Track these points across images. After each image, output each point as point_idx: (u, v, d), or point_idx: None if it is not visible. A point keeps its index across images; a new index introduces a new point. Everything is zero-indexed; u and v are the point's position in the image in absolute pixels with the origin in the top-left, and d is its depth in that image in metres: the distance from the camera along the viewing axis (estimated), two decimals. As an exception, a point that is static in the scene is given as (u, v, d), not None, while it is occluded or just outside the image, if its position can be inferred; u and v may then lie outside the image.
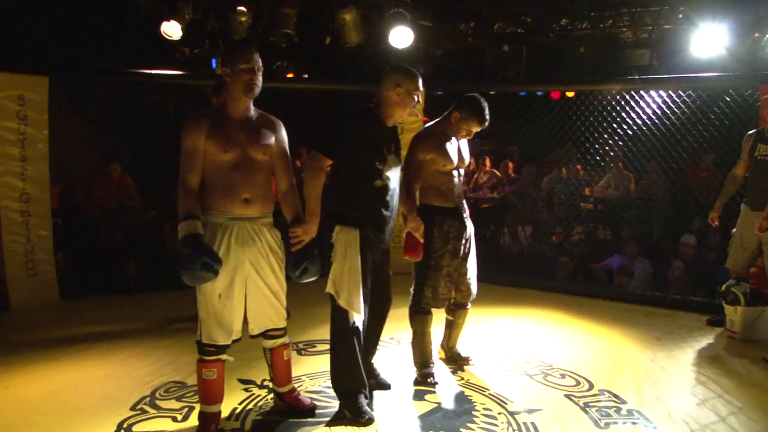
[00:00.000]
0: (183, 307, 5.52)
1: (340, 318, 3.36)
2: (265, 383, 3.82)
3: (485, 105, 3.83)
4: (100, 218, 6.90)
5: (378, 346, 3.84)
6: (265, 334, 3.35)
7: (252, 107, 3.22)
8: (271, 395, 3.59)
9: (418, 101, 3.42)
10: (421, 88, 3.43)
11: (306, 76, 8.41)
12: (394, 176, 3.45)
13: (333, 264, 3.32)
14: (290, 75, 8.46)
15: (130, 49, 6.85)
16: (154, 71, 6.30)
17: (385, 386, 3.82)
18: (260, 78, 3.11)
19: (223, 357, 3.21)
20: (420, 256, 3.75)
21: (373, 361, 3.84)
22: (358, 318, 3.34)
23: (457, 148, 3.96)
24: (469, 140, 4.08)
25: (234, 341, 3.20)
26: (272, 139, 3.23)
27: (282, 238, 3.34)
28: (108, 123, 7.65)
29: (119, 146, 7.58)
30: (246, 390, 3.81)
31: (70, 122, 6.82)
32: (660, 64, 7.84)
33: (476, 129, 3.90)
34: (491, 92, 7.37)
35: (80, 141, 7.20)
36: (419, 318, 3.99)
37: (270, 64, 8.15)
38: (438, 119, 4.00)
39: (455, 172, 3.94)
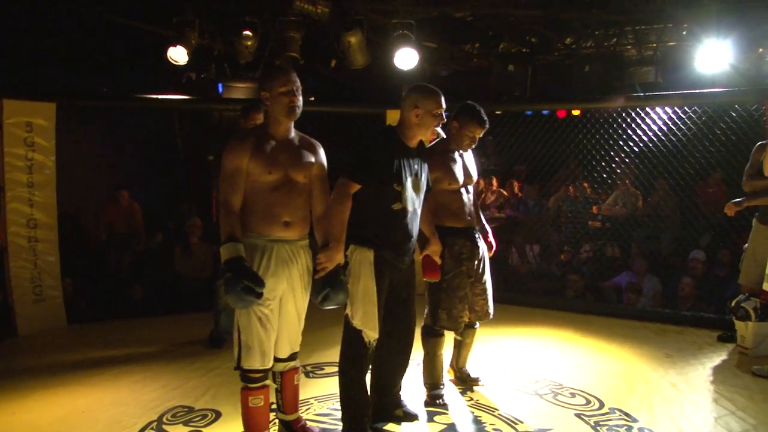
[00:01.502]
0: (190, 330, 5.58)
1: (353, 339, 3.33)
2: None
3: (480, 108, 3.82)
4: (109, 243, 6.92)
5: (401, 381, 3.73)
6: (279, 358, 3.27)
7: (293, 129, 3.21)
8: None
9: (441, 119, 3.39)
10: (443, 105, 3.38)
11: (312, 99, 8.46)
12: (414, 199, 3.39)
13: (348, 285, 3.26)
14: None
15: (137, 74, 6.93)
16: (161, 96, 6.36)
17: (413, 417, 3.68)
18: (300, 99, 3.10)
19: (267, 382, 3.16)
20: (439, 276, 3.72)
21: (400, 393, 3.75)
22: (373, 338, 3.31)
23: (463, 165, 3.93)
24: (475, 158, 4.07)
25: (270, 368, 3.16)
26: (313, 162, 3.21)
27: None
28: (116, 147, 7.71)
29: (127, 170, 7.63)
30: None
31: (78, 147, 6.87)
32: (665, 80, 7.84)
33: (479, 133, 3.86)
34: (497, 112, 7.40)
35: (88, 165, 7.25)
36: (432, 340, 3.95)
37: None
38: (437, 139, 3.95)
39: (463, 190, 3.92)
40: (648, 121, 6.53)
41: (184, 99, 6.75)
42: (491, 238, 4.17)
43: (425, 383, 4.03)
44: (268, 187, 3.06)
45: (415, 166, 3.42)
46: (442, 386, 4.04)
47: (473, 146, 3.94)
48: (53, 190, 5.79)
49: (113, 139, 7.66)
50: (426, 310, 3.96)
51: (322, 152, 3.28)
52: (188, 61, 6.15)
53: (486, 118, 3.83)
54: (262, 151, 3.05)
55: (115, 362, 4.86)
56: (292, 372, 3.32)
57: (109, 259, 6.72)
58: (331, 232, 3.21)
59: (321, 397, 4.07)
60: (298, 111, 3.09)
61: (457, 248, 3.83)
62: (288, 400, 3.35)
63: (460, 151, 3.95)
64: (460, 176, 3.88)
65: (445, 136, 3.50)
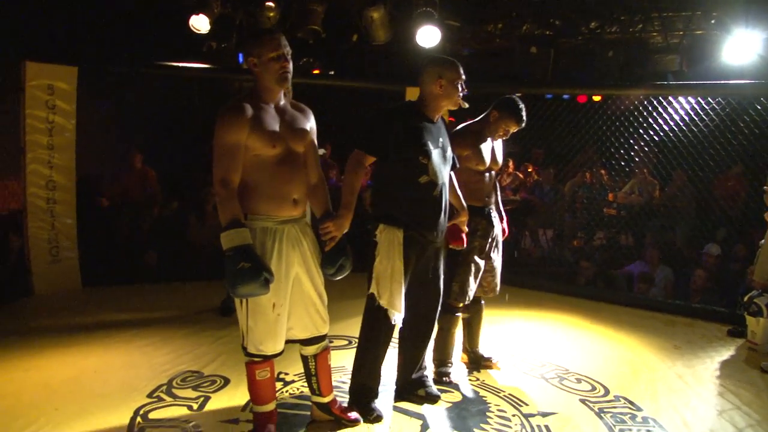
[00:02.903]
0: (202, 298, 5.66)
1: (376, 316, 3.32)
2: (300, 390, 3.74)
3: (523, 106, 3.88)
4: (124, 208, 6.98)
5: (424, 357, 3.75)
6: (307, 340, 3.15)
7: (282, 95, 3.00)
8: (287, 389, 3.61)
9: (464, 89, 3.37)
10: (464, 75, 3.37)
11: (332, 73, 8.44)
12: (442, 172, 3.37)
13: (376, 263, 3.26)
14: (316, 72, 8.50)
15: (158, 41, 6.92)
16: (181, 64, 6.36)
17: (435, 398, 3.68)
18: (291, 64, 2.88)
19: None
20: (464, 244, 3.72)
21: (425, 373, 3.77)
22: (399, 316, 3.31)
23: (491, 149, 3.99)
24: (504, 147, 4.12)
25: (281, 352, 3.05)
26: (308, 129, 3.05)
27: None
28: (134, 114, 7.73)
29: (144, 137, 7.66)
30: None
31: (97, 112, 6.90)
32: (689, 69, 7.74)
33: (514, 129, 3.94)
34: (517, 94, 7.34)
35: (106, 131, 7.29)
36: (447, 317, 3.98)
37: (297, 59, 8.21)
38: (476, 119, 4.03)
39: (487, 173, 3.98)
40: (670, 110, 6.43)
41: (204, 68, 6.73)
42: (504, 224, 4.24)
43: (434, 359, 4.07)
44: (271, 162, 2.88)
45: (441, 139, 3.40)
46: (450, 364, 4.09)
47: (504, 138, 4.01)
48: (73, 152, 5.84)
49: (133, 105, 7.68)
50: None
51: (312, 117, 3.13)
52: (210, 30, 6.14)
53: (525, 117, 3.89)
54: (261, 122, 2.84)
55: (127, 325, 4.93)
56: (325, 353, 3.22)
57: (123, 224, 6.75)
58: (342, 200, 3.15)
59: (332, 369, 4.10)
60: (290, 77, 2.89)
61: (473, 225, 3.89)
62: (324, 383, 3.26)
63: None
64: (488, 159, 3.94)
65: (467, 105, 3.48)
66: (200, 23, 6.01)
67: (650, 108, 6.58)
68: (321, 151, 4.96)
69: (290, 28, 6.55)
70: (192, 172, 7.29)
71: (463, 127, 4.02)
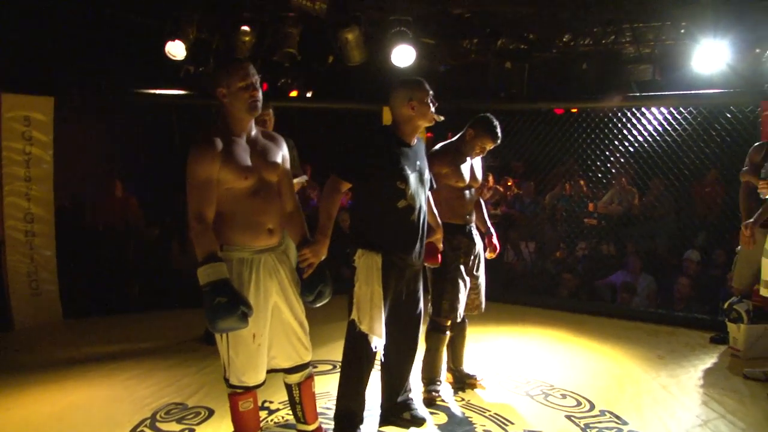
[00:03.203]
0: (185, 326, 5.60)
1: (357, 342, 3.31)
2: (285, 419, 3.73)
3: (497, 124, 3.97)
4: (104, 236, 6.93)
5: (409, 379, 3.74)
6: (290, 369, 3.14)
7: (253, 124, 2.98)
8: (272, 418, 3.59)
9: (434, 104, 3.39)
10: (431, 90, 3.39)
11: (310, 94, 8.46)
12: (420, 195, 3.39)
13: (355, 288, 3.26)
14: (295, 92, 8.51)
15: (135, 68, 6.90)
16: (158, 91, 6.35)
17: (420, 421, 3.67)
18: (260, 92, 2.87)
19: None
20: (439, 262, 3.74)
21: (410, 396, 3.76)
22: (379, 342, 3.31)
23: (470, 167, 4.06)
24: (483, 164, 4.19)
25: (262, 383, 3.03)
26: (280, 158, 3.03)
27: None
28: (113, 140, 7.71)
29: (123, 164, 7.64)
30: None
31: (75, 140, 6.85)
32: (662, 79, 7.83)
33: (490, 146, 4.02)
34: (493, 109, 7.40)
35: (85, 159, 7.23)
36: (435, 335, 4.02)
37: (274, 81, 8.21)
38: (453, 138, 4.12)
39: (467, 191, 4.04)
40: (644, 121, 6.54)
41: (181, 94, 6.72)
42: (495, 241, 4.28)
43: (423, 378, 4.08)
44: (244, 193, 2.87)
45: (418, 162, 3.41)
46: (439, 382, 4.10)
47: (481, 155, 4.08)
48: (51, 184, 5.81)
49: (110, 132, 7.65)
50: (429, 304, 4.02)
51: (285, 145, 3.12)
52: (186, 56, 6.14)
53: (500, 134, 3.97)
54: (232, 155, 2.82)
55: (109, 358, 4.88)
56: (309, 381, 3.21)
57: (105, 252, 6.70)
58: (318, 226, 3.16)
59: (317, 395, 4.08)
60: (260, 105, 2.88)
61: (455, 242, 3.96)
62: (309, 410, 3.24)
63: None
64: (467, 176, 4.01)
65: (442, 118, 3.52)
66: (176, 49, 6.00)
67: (624, 120, 6.68)
68: (303, 178, 4.98)
69: (266, 52, 6.55)
70: (173, 198, 7.25)
71: (441, 146, 4.09)
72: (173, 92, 6.63)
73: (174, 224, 7.06)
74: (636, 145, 6.72)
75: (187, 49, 6.05)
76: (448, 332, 4.06)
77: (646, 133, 6.58)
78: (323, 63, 7.22)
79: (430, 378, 4.08)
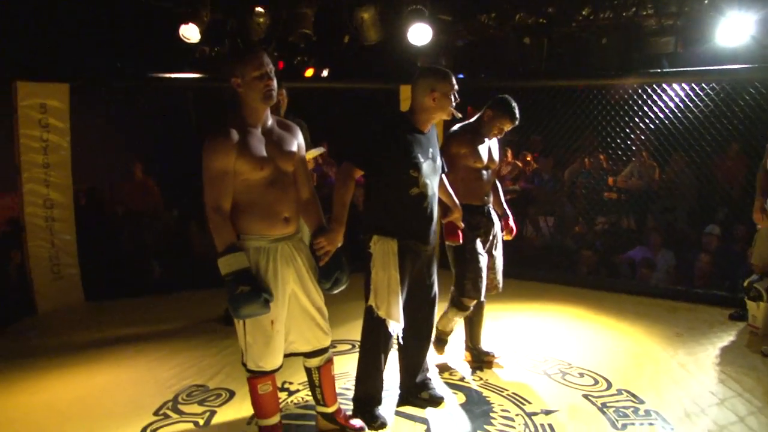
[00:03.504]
0: (205, 307, 5.69)
1: (375, 326, 3.36)
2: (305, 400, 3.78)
3: (515, 105, 4.00)
4: (126, 218, 7.02)
5: (425, 359, 3.78)
6: (309, 353, 3.20)
7: (269, 113, 3.01)
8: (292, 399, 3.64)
9: (456, 100, 3.39)
10: (456, 85, 3.39)
11: (326, 72, 8.43)
12: (432, 183, 3.41)
13: (372, 275, 3.30)
14: (311, 70, 8.49)
15: (150, 51, 6.91)
16: (173, 75, 6.37)
17: (439, 401, 3.72)
18: (275, 81, 2.89)
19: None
20: (460, 239, 3.78)
21: (428, 376, 3.82)
22: (397, 326, 3.35)
23: (488, 148, 4.09)
24: (500, 146, 4.21)
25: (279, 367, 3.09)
26: (295, 147, 3.06)
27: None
28: (130, 124, 7.76)
29: (142, 146, 7.69)
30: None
31: (93, 122, 6.91)
32: (685, 51, 7.69)
33: (507, 127, 4.04)
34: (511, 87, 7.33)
35: (103, 141, 7.30)
36: (455, 311, 4.14)
37: (290, 59, 8.20)
38: (471, 119, 4.14)
39: (485, 172, 4.06)
40: (665, 98, 6.43)
41: (195, 78, 6.73)
42: (512, 223, 4.32)
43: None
44: (261, 183, 2.90)
45: (430, 150, 3.42)
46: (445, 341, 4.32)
47: (499, 136, 4.10)
48: (69, 170, 5.88)
49: (127, 116, 7.70)
50: (452, 285, 4.10)
51: (300, 134, 3.15)
52: (200, 39, 6.14)
53: (518, 115, 3.99)
54: (247, 146, 2.86)
55: (132, 340, 4.98)
56: (328, 365, 3.27)
57: (125, 235, 6.79)
58: (333, 214, 3.20)
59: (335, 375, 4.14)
60: (275, 95, 2.90)
61: (474, 222, 4.00)
62: (328, 393, 3.31)
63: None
64: (485, 157, 4.04)
65: (461, 116, 3.53)
66: (190, 32, 5.99)
67: (645, 96, 6.57)
68: (321, 150, 4.98)
69: (281, 32, 6.54)
70: (191, 180, 7.31)
71: (459, 126, 4.11)
72: (188, 76, 6.64)
73: (193, 205, 7.11)
74: (656, 121, 6.62)
75: (201, 32, 6.04)
76: (467, 311, 4.13)
77: (667, 110, 6.47)
78: (339, 43, 7.18)
79: (441, 330, 4.25)
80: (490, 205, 4.18)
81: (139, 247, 6.77)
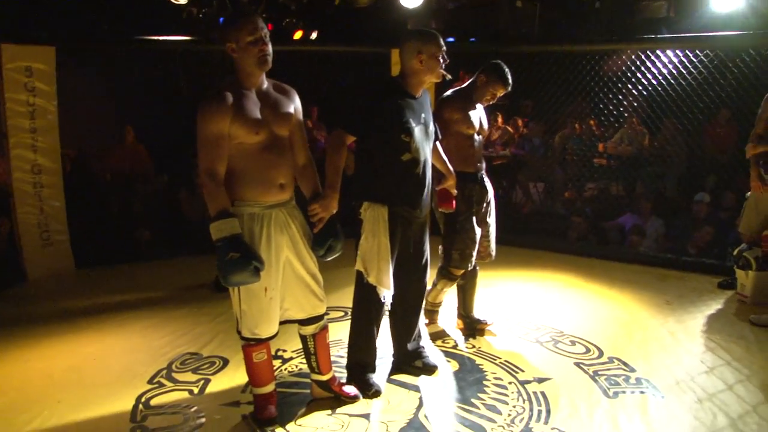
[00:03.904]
0: (196, 273, 5.67)
1: (365, 293, 3.37)
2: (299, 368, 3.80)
3: (508, 70, 3.97)
4: (114, 183, 6.94)
5: (418, 327, 3.80)
6: (304, 320, 3.19)
7: (264, 77, 2.97)
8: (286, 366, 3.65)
9: (445, 61, 3.34)
10: (444, 46, 3.33)
11: (315, 34, 8.29)
12: (424, 148, 3.38)
13: (361, 241, 3.30)
14: (300, 32, 8.34)
15: (137, 12, 6.76)
16: (161, 38, 6.23)
17: (432, 369, 3.74)
18: (270, 46, 2.84)
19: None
20: (453, 207, 3.78)
21: (421, 344, 3.84)
22: (388, 293, 3.36)
23: (479, 115, 4.07)
24: (487, 113, 4.18)
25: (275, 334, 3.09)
26: (291, 110, 3.02)
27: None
28: (118, 88, 7.63)
29: (131, 110, 7.57)
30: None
31: (79, 88, 6.78)
32: (677, 15, 7.63)
33: (501, 92, 4.02)
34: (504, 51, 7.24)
35: (90, 107, 7.17)
36: (443, 279, 4.18)
37: (279, 21, 8.04)
38: (463, 85, 4.11)
39: (477, 138, 4.05)
40: (658, 64, 6.38)
41: (184, 40, 6.58)
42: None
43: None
44: (256, 148, 2.87)
45: (423, 114, 3.38)
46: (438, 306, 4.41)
47: (492, 102, 4.07)
48: (56, 134, 5.76)
49: (114, 81, 7.56)
50: (440, 252, 4.11)
51: (297, 98, 3.09)
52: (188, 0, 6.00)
53: (511, 80, 3.96)
54: (243, 109, 2.81)
55: (124, 307, 4.96)
56: (323, 332, 3.26)
57: (114, 201, 6.72)
58: (326, 180, 3.16)
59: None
60: (270, 59, 2.85)
61: (467, 191, 3.99)
62: (323, 361, 3.30)
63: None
64: (477, 123, 4.02)
65: (450, 77, 3.48)
66: (178, -7, 5.88)
67: (638, 63, 6.52)
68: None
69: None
70: (180, 145, 7.22)
71: (453, 92, 4.08)
72: (176, 38, 6.48)
73: (183, 171, 7.04)
74: (649, 87, 6.58)
75: (189, -7, 5.91)
76: (456, 280, 4.16)
77: (660, 77, 6.43)
78: (330, 5, 7.05)
79: (432, 302, 4.32)
80: (483, 172, 4.16)
81: (128, 213, 6.70)
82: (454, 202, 3.77)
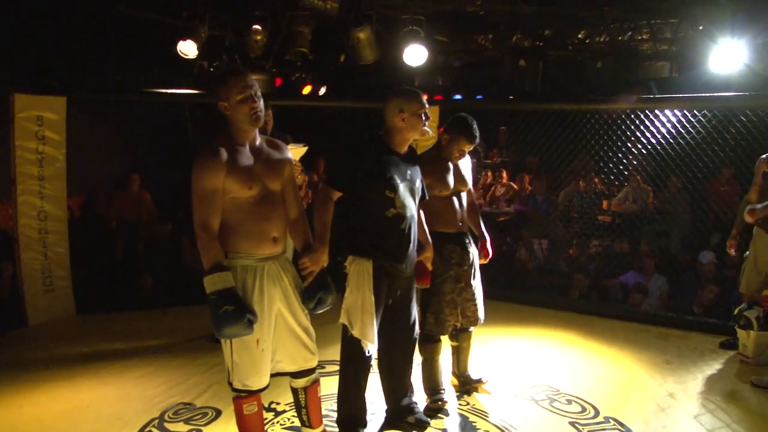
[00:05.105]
0: (195, 323, 5.65)
1: (351, 346, 3.35)
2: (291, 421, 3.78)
3: (472, 122, 3.84)
4: (119, 230, 7.02)
5: (410, 383, 3.77)
6: (296, 373, 3.18)
7: (257, 132, 3.02)
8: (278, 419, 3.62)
9: (427, 118, 3.37)
10: (426, 104, 3.36)
11: (323, 90, 8.47)
12: (410, 204, 3.40)
13: (346, 294, 3.31)
14: (309, 87, 8.53)
15: (148, 65, 6.96)
16: (170, 90, 6.39)
17: (424, 425, 3.70)
18: (261, 102, 2.90)
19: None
20: (429, 283, 3.72)
21: (414, 399, 3.79)
22: (372, 347, 3.34)
23: (455, 171, 3.97)
24: (478, 156, 4.11)
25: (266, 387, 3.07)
26: (284, 166, 3.06)
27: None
28: (126, 137, 7.78)
29: (137, 159, 7.71)
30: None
31: (88, 137, 6.92)
32: (680, 75, 7.75)
33: (467, 148, 3.89)
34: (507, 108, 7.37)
35: (99, 152, 7.31)
36: (428, 346, 3.99)
37: (288, 76, 8.24)
38: (430, 147, 4.04)
39: (455, 197, 3.96)
40: (657, 123, 6.46)
41: (192, 93, 6.75)
42: (489, 246, 4.19)
43: (425, 389, 4.06)
44: (249, 202, 2.91)
45: (408, 171, 3.41)
46: (442, 391, 4.08)
47: (462, 158, 3.96)
48: (64, 182, 5.88)
49: (124, 129, 7.72)
50: (415, 315, 3.98)
51: (288, 152, 3.14)
52: (199, 54, 6.18)
53: (477, 133, 3.85)
54: (237, 164, 2.86)
55: (120, 355, 4.96)
56: (315, 386, 3.24)
57: (118, 247, 6.79)
58: (315, 234, 3.19)
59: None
60: (261, 116, 2.91)
61: (446, 253, 3.88)
62: (314, 414, 3.28)
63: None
64: (452, 183, 3.92)
65: (432, 134, 3.49)
66: (188, 48, 6.05)
67: (637, 122, 6.61)
68: (302, 147, 4.92)
69: (279, 49, 6.59)
70: (185, 194, 7.32)
71: (420, 156, 3.88)
72: (183, 91, 6.65)
73: (186, 220, 7.12)
74: (651, 144, 6.64)
75: (198, 48, 6.09)
76: (439, 341, 4.01)
77: (659, 136, 6.51)
78: (335, 61, 7.23)
79: (432, 388, 4.06)
80: (467, 232, 4.05)
81: (132, 260, 6.75)
82: (429, 278, 3.70)
